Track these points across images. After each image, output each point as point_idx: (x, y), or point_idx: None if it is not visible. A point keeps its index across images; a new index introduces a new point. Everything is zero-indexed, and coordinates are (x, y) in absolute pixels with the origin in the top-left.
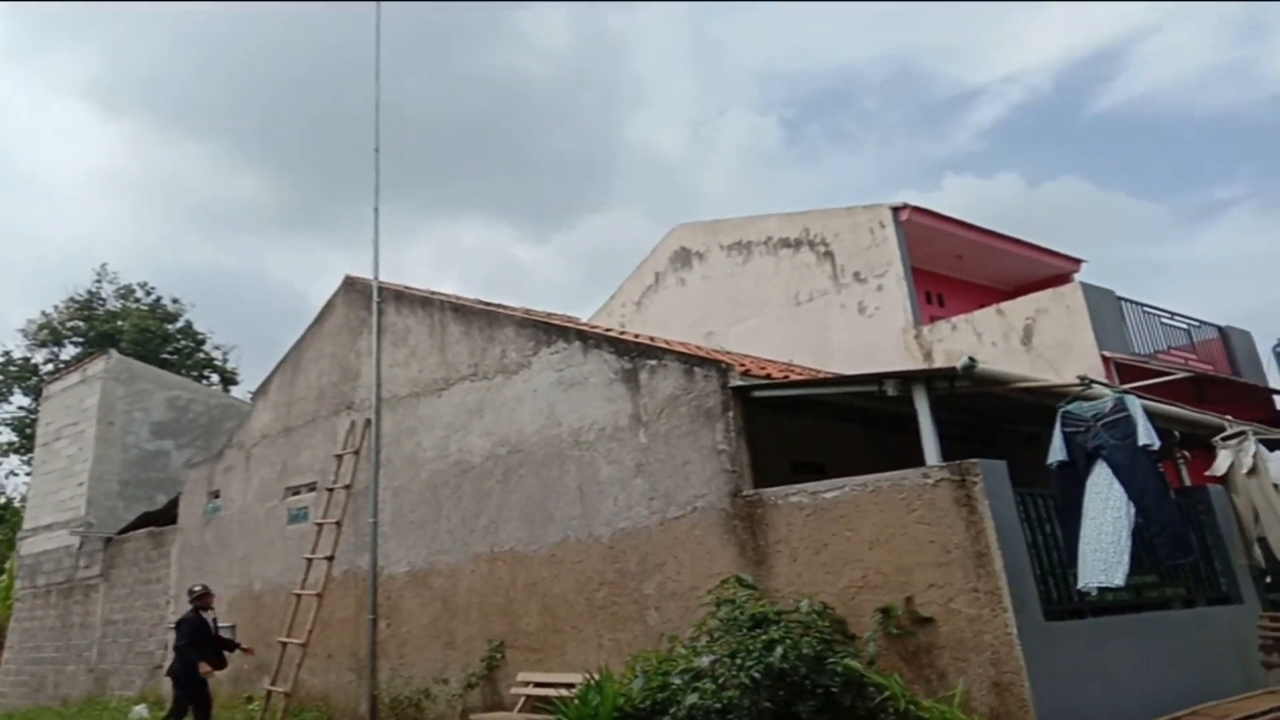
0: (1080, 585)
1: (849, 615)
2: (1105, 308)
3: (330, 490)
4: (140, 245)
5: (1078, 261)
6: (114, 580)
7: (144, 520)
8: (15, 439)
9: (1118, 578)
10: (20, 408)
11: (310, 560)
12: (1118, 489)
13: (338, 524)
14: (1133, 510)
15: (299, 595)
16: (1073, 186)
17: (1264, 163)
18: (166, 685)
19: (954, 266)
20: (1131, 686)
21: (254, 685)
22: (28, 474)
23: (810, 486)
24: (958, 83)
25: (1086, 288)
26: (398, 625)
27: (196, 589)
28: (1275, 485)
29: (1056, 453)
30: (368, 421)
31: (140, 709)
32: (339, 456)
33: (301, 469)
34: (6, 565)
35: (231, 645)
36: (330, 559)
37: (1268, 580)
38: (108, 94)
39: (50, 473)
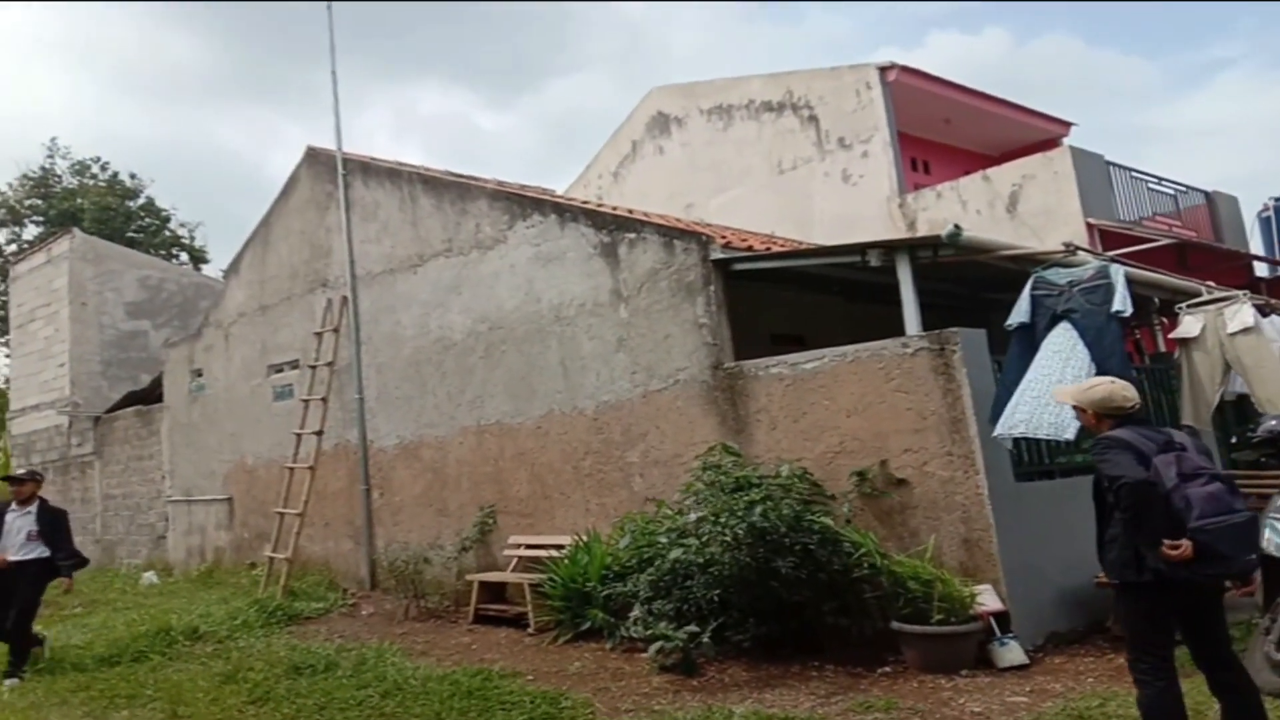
0: (999, 432)
1: (826, 479)
2: (1093, 173)
3: (313, 368)
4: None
5: (1067, 125)
6: (108, 457)
7: (130, 399)
8: None
9: (1069, 433)
10: None
11: (299, 435)
12: (1082, 350)
13: (324, 400)
14: (1094, 372)
15: (291, 469)
16: (1062, 44)
17: (1264, 18)
18: (172, 553)
19: (941, 131)
20: (1088, 538)
21: (256, 553)
22: (7, 355)
23: (790, 358)
24: None
25: (1075, 152)
26: (391, 495)
27: (18, 472)
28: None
29: (1019, 314)
30: (344, 299)
31: (150, 575)
32: (319, 334)
33: (282, 347)
34: (1, 444)
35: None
36: (319, 434)
37: (1233, 441)
38: None
39: (29, 354)
